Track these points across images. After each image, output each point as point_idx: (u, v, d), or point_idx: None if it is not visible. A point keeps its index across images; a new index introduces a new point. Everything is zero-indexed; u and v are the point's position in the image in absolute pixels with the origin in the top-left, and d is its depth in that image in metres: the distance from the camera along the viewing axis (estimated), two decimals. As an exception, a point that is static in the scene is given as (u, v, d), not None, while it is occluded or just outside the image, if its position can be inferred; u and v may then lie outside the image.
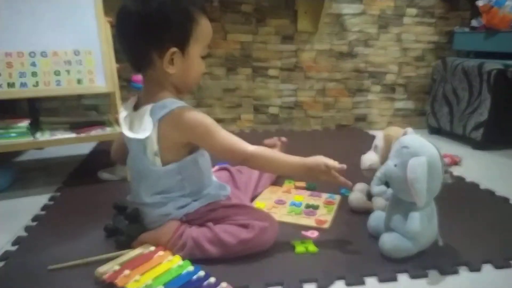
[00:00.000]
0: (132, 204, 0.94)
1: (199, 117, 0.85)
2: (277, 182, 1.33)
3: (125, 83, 1.87)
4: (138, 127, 0.84)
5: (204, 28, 0.85)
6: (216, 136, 0.85)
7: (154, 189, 0.88)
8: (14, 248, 0.90)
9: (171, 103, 0.84)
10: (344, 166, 0.87)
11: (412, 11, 2.20)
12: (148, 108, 0.84)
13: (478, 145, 1.86)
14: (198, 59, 0.88)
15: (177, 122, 0.83)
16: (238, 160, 0.87)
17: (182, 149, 0.87)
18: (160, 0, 0.80)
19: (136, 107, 0.90)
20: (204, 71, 0.92)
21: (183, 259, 0.81)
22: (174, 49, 0.82)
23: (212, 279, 0.75)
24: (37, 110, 1.55)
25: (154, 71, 0.86)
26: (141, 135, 0.83)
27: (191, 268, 0.78)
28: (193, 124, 0.84)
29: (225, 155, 0.87)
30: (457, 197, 1.24)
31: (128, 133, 0.85)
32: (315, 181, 0.89)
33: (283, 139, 1.21)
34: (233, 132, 0.89)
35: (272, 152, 0.91)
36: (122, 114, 0.90)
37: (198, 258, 0.83)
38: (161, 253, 0.82)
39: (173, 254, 0.83)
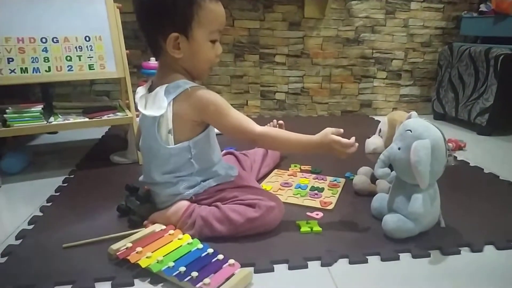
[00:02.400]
0: (143, 185, 0.97)
1: (212, 96, 0.88)
2: (283, 166, 1.36)
3: (136, 69, 1.90)
4: (152, 106, 0.87)
5: (209, 12, 0.85)
6: (227, 115, 0.88)
7: (165, 168, 0.90)
8: (30, 227, 0.94)
9: (185, 83, 0.87)
10: (353, 142, 0.88)
11: (420, -4, 2.18)
12: (163, 87, 0.87)
13: (483, 131, 1.87)
14: (206, 44, 0.88)
15: (191, 100, 0.86)
16: (247, 139, 0.89)
17: (197, 127, 0.90)
18: None
19: (150, 90, 0.92)
20: (217, 55, 0.92)
21: (193, 237, 0.84)
22: (175, 34, 0.84)
23: (220, 256, 0.77)
24: (50, 95, 1.58)
25: (165, 56, 0.88)
26: (156, 113, 0.85)
27: (200, 245, 0.81)
28: (206, 102, 0.86)
29: (235, 134, 0.90)
30: (461, 180, 1.26)
31: (144, 111, 0.88)
32: (328, 153, 0.91)
33: (280, 122, 1.24)
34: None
35: (279, 131, 0.94)
36: (138, 94, 0.93)
37: (207, 237, 0.86)
38: (171, 231, 0.85)
39: (183, 232, 0.86)
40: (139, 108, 0.90)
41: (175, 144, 0.88)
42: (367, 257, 0.83)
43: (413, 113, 0.93)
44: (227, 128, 0.89)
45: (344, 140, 0.88)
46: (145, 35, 0.90)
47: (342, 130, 0.90)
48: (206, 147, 0.92)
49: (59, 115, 1.29)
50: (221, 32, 0.91)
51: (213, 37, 0.89)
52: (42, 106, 1.24)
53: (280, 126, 1.24)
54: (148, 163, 0.93)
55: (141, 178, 0.98)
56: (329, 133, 0.89)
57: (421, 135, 0.83)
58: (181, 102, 0.86)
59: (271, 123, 1.27)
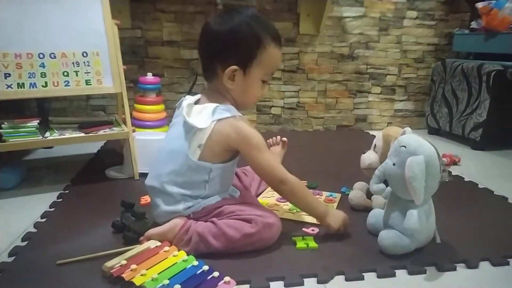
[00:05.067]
0: (148, 189, 0.96)
1: (255, 132, 0.92)
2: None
3: (132, 84, 1.91)
4: (197, 116, 0.90)
5: (270, 55, 0.91)
6: (265, 153, 0.92)
7: (178, 178, 0.90)
8: (23, 243, 0.93)
9: (235, 110, 0.92)
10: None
11: (413, 13, 2.23)
12: (213, 105, 0.90)
13: (477, 145, 1.89)
14: (258, 82, 0.94)
15: (235, 127, 0.89)
16: (276, 179, 0.92)
17: (225, 153, 0.92)
18: (236, 23, 0.89)
19: (196, 103, 0.95)
20: (264, 95, 0.99)
21: (188, 254, 0.84)
22: (235, 67, 0.90)
23: (215, 273, 0.77)
24: (46, 110, 1.58)
25: (217, 82, 0.94)
26: (199, 124, 0.88)
27: (195, 262, 0.80)
28: (250, 134, 0.90)
29: (265, 172, 0.93)
30: (455, 195, 1.27)
31: (188, 119, 0.89)
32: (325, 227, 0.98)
33: (284, 139, 1.25)
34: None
35: (304, 187, 0.97)
36: (186, 101, 0.94)
37: (203, 253, 0.85)
38: (166, 248, 0.85)
39: (179, 249, 0.85)
40: (183, 113, 0.90)
41: (198, 160, 0.89)
42: (363, 273, 0.83)
43: (407, 129, 0.94)
44: (261, 164, 0.92)
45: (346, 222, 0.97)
46: (205, 59, 0.95)
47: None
48: (225, 176, 0.94)
49: (55, 130, 1.30)
50: (272, 74, 0.98)
51: (266, 77, 0.95)
52: (38, 121, 1.24)
53: (283, 143, 1.25)
54: (162, 168, 0.92)
55: (147, 181, 0.96)
56: (341, 218, 0.96)
57: (416, 151, 0.84)
58: (225, 125, 0.89)
59: (274, 138, 1.28)
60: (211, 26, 0.91)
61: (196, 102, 0.95)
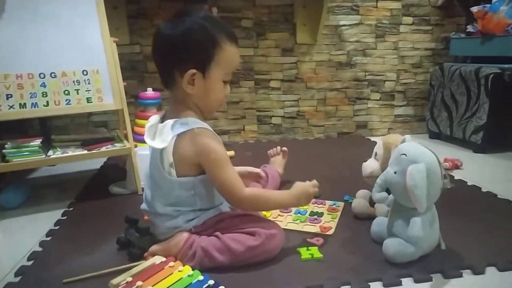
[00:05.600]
0: (143, 213, 0.97)
1: (216, 145, 0.89)
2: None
3: (133, 99, 1.93)
4: (159, 137, 0.89)
5: (228, 54, 0.89)
6: (224, 169, 0.88)
7: (168, 199, 0.90)
8: (29, 263, 0.93)
9: (193, 122, 0.88)
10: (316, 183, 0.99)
11: (408, 19, 2.25)
12: (170, 122, 0.88)
13: (479, 149, 1.89)
14: (219, 83, 0.91)
15: (194, 141, 0.87)
16: (233, 198, 0.89)
17: (195, 166, 0.89)
18: (189, 25, 0.86)
19: (162, 120, 0.94)
20: (227, 95, 0.96)
21: (193, 268, 0.84)
22: (193, 71, 0.87)
23: (221, 288, 0.78)
24: (48, 128, 1.60)
25: (177, 89, 0.91)
26: (158, 145, 0.87)
27: (200, 277, 0.80)
28: (208, 149, 0.87)
29: (222, 189, 0.89)
30: (459, 200, 1.26)
31: (148, 141, 0.89)
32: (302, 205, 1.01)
33: (284, 148, 1.26)
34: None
35: (264, 193, 0.97)
36: (149, 123, 0.94)
37: (208, 267, 0.85)
38: (171, 263, 0.85)
39: (184, 264, 0.85)
40: (145, 137, 0.91)
41: (178, 177, 0.88)
42: (369, 283, 0.83)
43: (407, 136, 0.94)
44: (219, 181, 0.88)
45: (313, 182, 0.99)
46: (161, 67, 0.92)
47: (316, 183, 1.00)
48: (208, 191, 0.92)
49: (58, 148, 1.30)
50: (233, 74, 0.95)
51: (226, 78, 0.92)
52: (40, 140, 1.26)
53: (284, 153, 1.25)
54: (151, 193, 0.94)
55: (142, 205, 0.97)
56: (305, 191, 0.96)
57: (416, 159, 0.84)
58: (185, 140, 0.87)
59: (274, 149, 1.28)
60: (163, 31, 0.88)
61: (163, 118, 0.94)
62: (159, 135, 0.89)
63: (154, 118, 0.96)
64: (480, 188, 1.40)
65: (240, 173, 1.08)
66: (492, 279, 0.85)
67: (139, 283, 0.77)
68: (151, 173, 0.94)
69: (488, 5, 1.90)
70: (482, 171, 1.64)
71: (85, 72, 1.30)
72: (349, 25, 2.19)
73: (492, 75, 1.78)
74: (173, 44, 0.86)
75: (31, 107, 1.23)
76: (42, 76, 1.25)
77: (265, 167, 1.36)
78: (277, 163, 1.42)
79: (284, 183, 1.42)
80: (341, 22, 2.18)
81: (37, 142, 1.24)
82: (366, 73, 2.28)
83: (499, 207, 1.25)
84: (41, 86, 1.24)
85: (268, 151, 1.47)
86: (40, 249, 1.00)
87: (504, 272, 0.87)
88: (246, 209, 0.93)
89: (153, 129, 0.92)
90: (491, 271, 0.88)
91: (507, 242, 0.99)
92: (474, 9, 1.95)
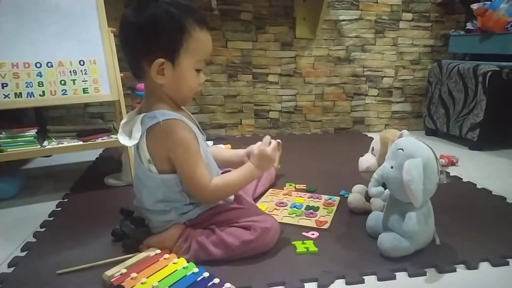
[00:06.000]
0: (137, 209, 0.97)
1: (183, 136, 0.84)
2: (278, 185, 1.37)
3: (130, 91, 1.91)
4: (132, 134, 0.86)
5: (198, 41, 0.84)
6: (191, 164, 0.85)
7: (155, 197, 0.89)
8: (23, 254, 0.93)
9: (161, 114, 0.84)
10: (274, 141, 0.95)
11: (408, 15, 2.24)
12: (140, 117, 0.85)
13: (475, 146, 1.89)
14: (191, 72, 0.87)
15: (162, 134, 0.84)
16: (201, 197, 0.88)
17: (171, 161, 0.86)
18: (154, 11, 0.80)
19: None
20: (200, 84, 0.91)
21: (188, 261, 0.84)
22: (162, 60, 0.82)
23: (216, 280, 0.77)
24: (44, 119, 1.58)
25: (148, 80, 0.87)
26: (129, 142, 0.85)
27: (195, 269, 0.80)
28: (176, 142, 0.84)
29: (191, 186, 0.87)
30: (454, 196, 1.27)
31: (121, 139, 0.87)
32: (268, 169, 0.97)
33: (278, 140, 1.24)
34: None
35: (224, 181, 0.91)
36: (123, 120, 0.91)
37: (203, 260, 0.85)
38: (166, 255, 0.85)
39: (178, 257, 0.85)
40: (118, 134, 0.88)
41: (160, 174, 0.87)
42: (363, 277, 0.83)
43: (404, 131, 0.94)
44: (187, 178, 0.86)
45: (264, 141, 0.94)
46: (129, 57, 0.87)
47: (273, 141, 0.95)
48: None
49: (53, 139, 1.29)
50: (206, 62, 0.90)
51: (198, 66, 0.88)
52: (36, 130, 1.25)
53: (278, 145, 1.24)
54: (139, 191, 0.93)
55: (135, 202, 0.97)
56: (254, 148, 0.94)
57: (413, 154, 0.84)
58: (154, 134, 0.84)
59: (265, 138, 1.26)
60: (128, 18, 0.82)
61: (139, 111, 0.91)
62: (135, 131, 0.85)
63: (131, 113, 0.92)
64: (476, 185, 1.41)
65: (232, 161, 1.07)
66: (486, 274, 0.86)
67: (133, 274, 0.78)
68: (136, 172, 0.93)
69: (489, 3, 1.90)
70: (477, 168, 1.64)
71: (82, 62, 1.29)
72: (349, 20, 2.18)
73: (490, 73, 1.78)
74: (137, 32, 0.81)
75: (27, 97, 1.21)
76: (38, 65, 1.23)
77: None
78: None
79: (279, 177, 1.42)
80: (341, 17, 2.17)
81: (33, 132, 1.23)
82: (365, 69, 2.28)
83: (493, 203, 1.25)
84: (37, 75, 1.23)
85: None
86: (34, 240, 1.00)
87: (497, 267, 0.88)
88: (214, 201, 0.92)
89: (127, 125, 0.89)
90: (484, 266, 0.89)
91: (500, 238, 1.00)
92: (474, 6, 1.94)
